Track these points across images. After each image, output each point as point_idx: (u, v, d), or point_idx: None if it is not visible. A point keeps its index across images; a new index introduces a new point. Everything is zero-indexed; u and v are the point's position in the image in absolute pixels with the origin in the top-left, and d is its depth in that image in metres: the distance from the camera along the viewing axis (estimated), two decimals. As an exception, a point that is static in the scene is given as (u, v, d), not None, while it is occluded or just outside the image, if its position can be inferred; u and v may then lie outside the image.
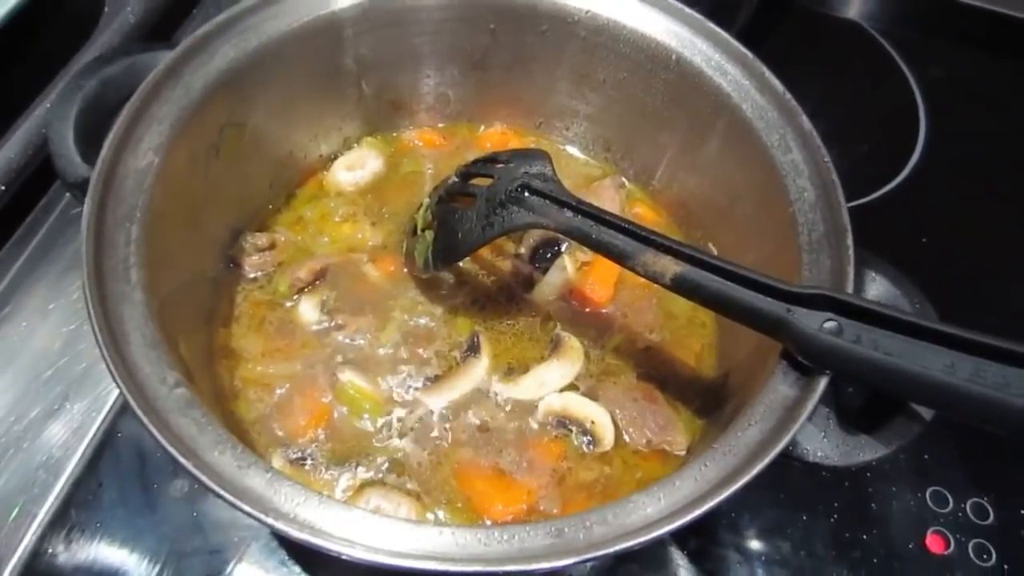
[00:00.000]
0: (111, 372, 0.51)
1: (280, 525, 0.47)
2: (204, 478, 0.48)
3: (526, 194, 0.70)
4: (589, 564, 0.72)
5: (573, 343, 0.79)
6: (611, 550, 0.48)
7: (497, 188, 0.72)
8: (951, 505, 0.80)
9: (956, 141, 1.13)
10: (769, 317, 0.58)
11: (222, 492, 0.47)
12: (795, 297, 0.57)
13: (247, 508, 0.47)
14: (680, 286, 0.62)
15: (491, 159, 0.77)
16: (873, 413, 0.61)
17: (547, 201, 0.69)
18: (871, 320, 0.54)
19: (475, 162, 0.79)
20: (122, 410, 0.80)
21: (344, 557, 0.46)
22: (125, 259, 0.58)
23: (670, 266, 0.62)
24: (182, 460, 0.48)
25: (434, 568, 0.45)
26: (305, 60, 0.78)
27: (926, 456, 0.84)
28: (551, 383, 0.76)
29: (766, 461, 0.53)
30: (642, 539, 0.49)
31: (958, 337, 0.51)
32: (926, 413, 0.61)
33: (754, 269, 0.59)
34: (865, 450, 0.60)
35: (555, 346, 0.79)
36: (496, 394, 0.75)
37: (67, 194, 0.94)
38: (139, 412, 0.50)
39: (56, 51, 1.00)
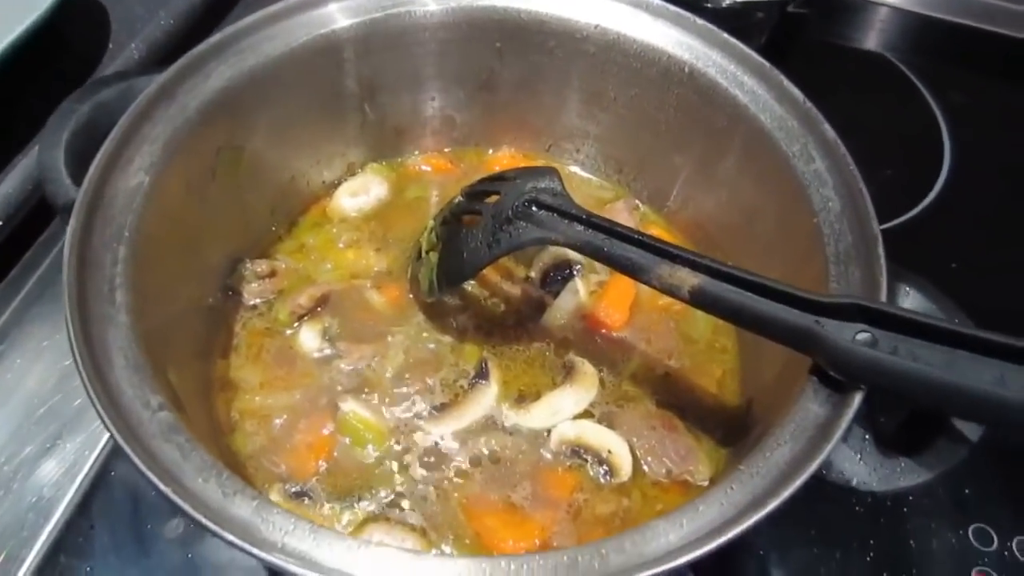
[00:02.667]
0: (90, 396, 0.48)
1: (267, 556, 0.43)
2: (186, 506, 0.44)
3: (534, 209, 0.67)
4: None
5: (587, 369, 0.75)
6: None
7: (504, 204, 0.69)
8: (996, 543, 0.74)
9: (981, 164, 1.11)
10: (797, 330, 0.54)
11: (205, 521, 0.43)
12: (824, 308, 0.53)
13: (231, 538, 0.43)
14: (699, 299, 0.58)
15: (497, 177, 0.74)
16: (913, 433, 0.57)
17: (557, 215, 0.66)
18: (908, 330, 0.50)
19: (481, 180, 0.76)
20: (116, 449, 0.76)
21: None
22: (111, 280, 0.56)
23: (687, 278, 0.58)
24: (162, 487, 0.44)
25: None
26: (305, 82, 0.76)
27: (968, 490, 0.79)
28: (564, 410, 0.72)
29: (798, 483, 0.48)
30: (663, 567, 0.44)
31: (1008, 346, 0.47)
32: (971, 433, 0.56)
33: (778, 280, 0.55)
34: (905, 474, 0.55)
35: (568, 372, 0.75)
36: (506, 423, 0.71)
37: (66, 230, 0.92)
38: (118, 437, 0.46)
39: (60, 87, 1.00)
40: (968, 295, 0.83)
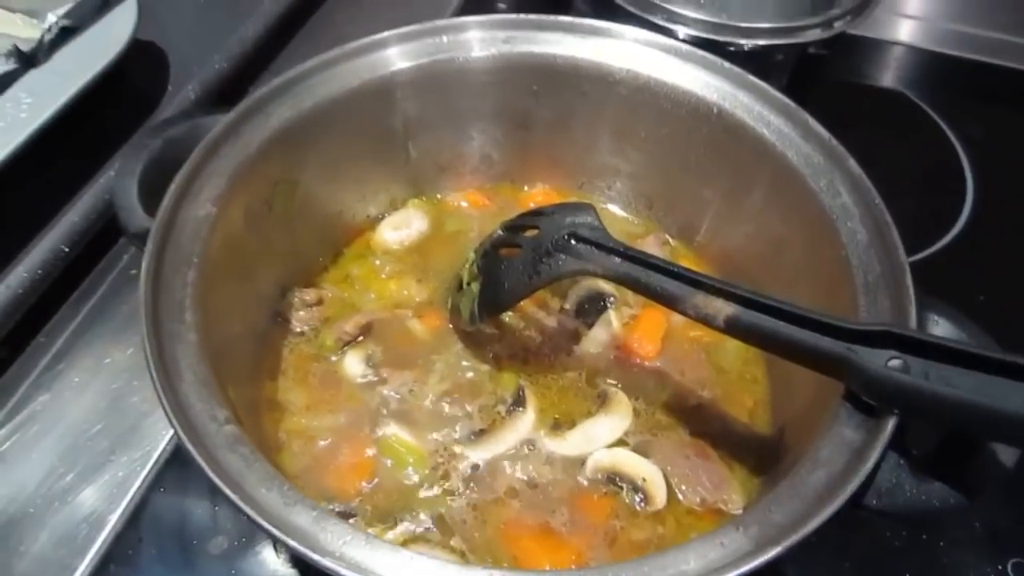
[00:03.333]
0: (164, 407, 0.51)
1: (326, 562, 0.45)
2: (252, 512, 0.47)
3: (573, 242, 0.70)
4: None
5: (621, 398, 0.77)
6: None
7: (543, 238, 0.72)
8: None
9: (1004, 196, 1.12)
10: (830, 356, 0.56)
11: (270, 527, 0.46)
12: (856, 335, 0.55)
13: (294, 544, 0.46)
14: (733, 328, 0.60)
15: (536, 212, 0.78)
16: (948, 459, 0.58)
17: (594, 248, 0.69)
18: (939, 356, 0.52)
19: (521, 216, 0.80)
20: (166, 465, 0.80)
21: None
22: (181, 301, 0.60)
23: (723, 308, 0.61)
24: (230, 494, 0.47)
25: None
26: (355, 122, 0.81)
27: (1005, 523, 0.79)
28: (599, 438, 0.74)
29: (835, 506, 0.50)
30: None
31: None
32: (1007, 459, 0.57)
33: (811, 309, 0.58)
34: (941, 501, 0.56)
35: (602, 401, 0.77)
36: (543, 449, 0.73)
37: (124, 257, 0.97)
38: (189, 446, 0.49)
39: (122, 126, 1.06)
40: (997, 325, 0.84)
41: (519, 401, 0.76)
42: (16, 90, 0.93)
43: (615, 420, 0.75)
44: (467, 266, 0.82)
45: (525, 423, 0.75)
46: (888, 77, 1.33)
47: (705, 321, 0.61)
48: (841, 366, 0.55)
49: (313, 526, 0.48)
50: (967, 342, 0.50)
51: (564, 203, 0.77)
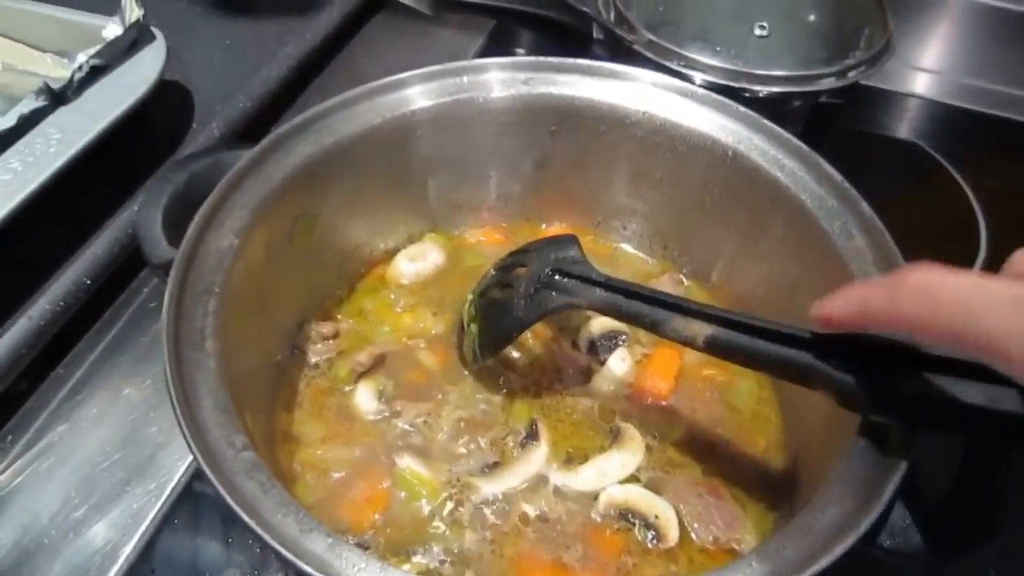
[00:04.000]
0: (183, 432, 0.52)
1: (342, 588, 0.45)
2: (269, 538, 0.47)
3: (557, 277, 0.73)
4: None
5: (633, 434, 0.77)
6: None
7: (531, 276, 0.75)
8: None
9: (1018, 246, 1.12)
10: (804, 368, 0.57)
11: (286, 553, 0.46)
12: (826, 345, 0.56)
13: (309, 570, 0.46)
14: (713, 347, 0.62)
15: (522, 250, 0.80)
16: (956, 503, 0.58)
17: (578, 282, 0.72)
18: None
19: (509, 254, 0.82)
20: (180, 498, 0.80)
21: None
22: (201, 330, 0.61)
23: (701, 329, 0.62)
24: (247, 519, 0.48)
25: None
26: (375, 159, 0.83)
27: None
28: (611, 474, 0.74)
29: (852, 539, 0.50)
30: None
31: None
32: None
33: (793, 325, 0.58)
34: (950, 550, 0.56)
35: (615, 437, 0.77)
36: (555, 484, 0.73)
37: (144, 290, 0.98)
38: (207, 471, 0.50)
39: (146, 163, 1.08)
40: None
41: (532, 434, 0.76)
42: (45, 126, 0.96)
43: (627, 455, 0.75)
44: (466, 307, 0.83)
45: (538, 456, 0.75)
46: (902, 128, 1.35)
47: (687, 343, 0.63)
48: (814, 377, 0.56)
49: (328, 553, 0.48)
50: (927, 346, 0.50)
51: (549, 238, 0.80)
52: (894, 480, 0.53)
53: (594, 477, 0.74)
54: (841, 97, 1.17)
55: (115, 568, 0.74)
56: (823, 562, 0.49)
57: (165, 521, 0.78)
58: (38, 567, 0.75)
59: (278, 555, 0.47)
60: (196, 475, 0.79)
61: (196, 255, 0.65)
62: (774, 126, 0.79)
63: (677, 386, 0.82)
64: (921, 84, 1.40)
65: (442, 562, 0.68)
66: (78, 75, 0.99)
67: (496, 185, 0.93)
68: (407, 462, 0.74)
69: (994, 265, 1.07)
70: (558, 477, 0.74)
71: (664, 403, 0.81)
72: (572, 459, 0.75)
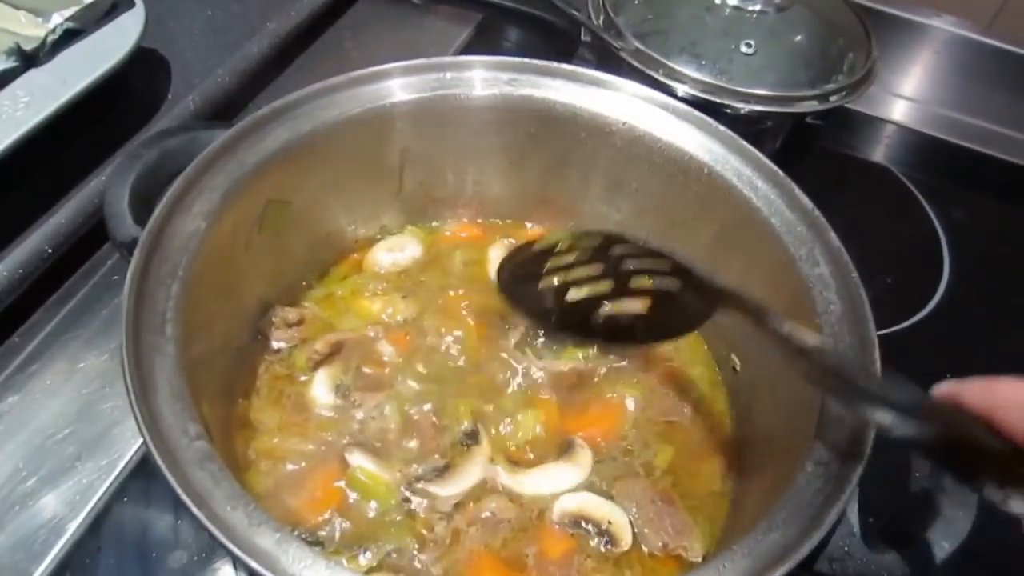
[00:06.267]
0: (136, 418, 0.52)
1: (286, 586, 0.45)
2: (216, 531, 0.47)
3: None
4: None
5: (584, 452, 0.77)
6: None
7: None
8: None
9: (979, 280, 1.15)
10: None
11: (232, 547, 0.46)
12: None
13: (255, 565, 0.46)
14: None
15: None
16: (898, 531, 0.60)
17: None
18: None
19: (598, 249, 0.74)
20: (131, 475, 0.79)
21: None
22: (163, 313, 0.60)
23: None
24: (196, 511, 0.47)
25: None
26: (352, 149, 0.82)
27: None
28: (562, 482, 0.75)
29: (789, 565, 0.51)
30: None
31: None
32: (948, 543, 0.59)
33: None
34: (889, 570, 0.58)
35: (565, 449, 0.77)
36: (506, 487, 0.74)
37: (107, 263, 0.97)
38: (158, 460, 0.50)
39: (118, 132, 1.06)
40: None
41: (474, 435, 0.76)
42: (14, 88, 0.94)
43: (573, 469, 0.76)
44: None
45: (482, 459, 0.75)
46: (878, 152, 1.37)
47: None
48: None
49: (275, 548, 0.48)
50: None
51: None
52: (836, 509, 0.54)
53: (544, 483, 0.74)
54: (822, 119, 1.19)
55: (61, 542, 0.74)
56: (763, 584, 0.50)
57: (115, 498, 0.77)
58: (-19, 537, 0.74)
59: (225, 549, 0.47)
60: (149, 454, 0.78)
61: (162, 237, 0.64)
62: (750, 148, 0.80)
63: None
64: (899, 111, 1.42)
65: (394, 560, 0.68)
66: (52, 37, 0.97)
67: (473, 183, 0.93)
68: (359, 460, 0.73)
69: (955, 296, 1.11)
70: (509, 480, 0.74)
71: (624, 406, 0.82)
72: (519, 462, 0.76)
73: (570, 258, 0.73)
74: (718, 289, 0.67)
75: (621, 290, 0.70)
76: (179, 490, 0.48)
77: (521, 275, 0.76)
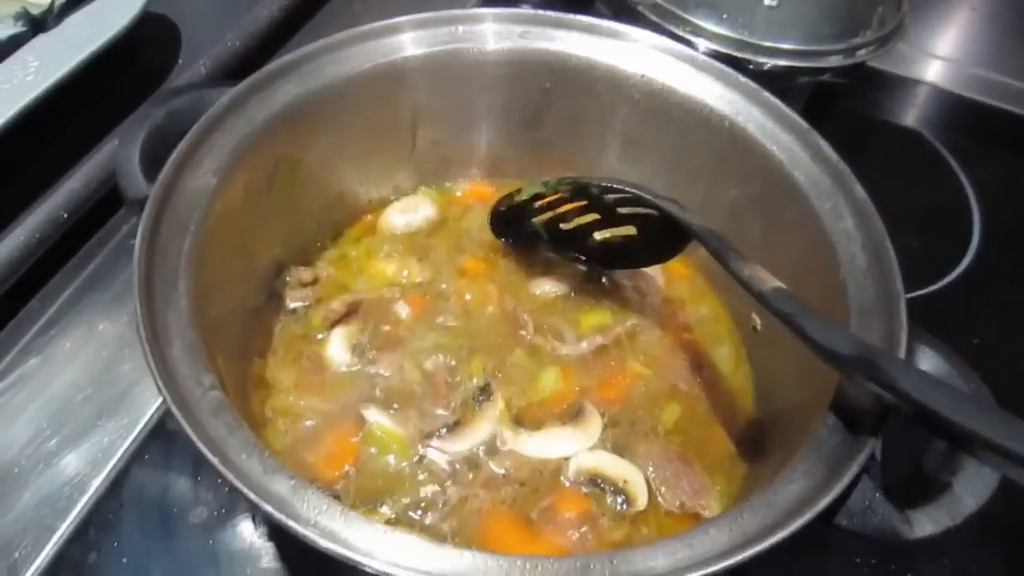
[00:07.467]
0: (150, 368, 0.52)
1: (301, 530, 0.45)
2: (232, 477, 0.47)
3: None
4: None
5: (594, 416, 0.76)
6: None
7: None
8: None
9: (1009, 243, 1.13)
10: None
11: (248, 492, 0.46)
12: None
13: (270, 510, 0.46)
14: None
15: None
16: (922, 486, 0.59)
17: None
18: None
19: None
20: (151, 435, 0.80)
21: (362, 568, 0.44)
22: (175, 268, 0.60)
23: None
24: (211, 458, 0.47)
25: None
26: (363, 105, 0.81)
27: (974, 562, 0.80)
28: (567, 447, 0.73)
29: (808, 516, 0.50)
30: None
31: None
32: (974, 499, 0.58)
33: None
34: (911, 529, 0.57)
35: (575, 413, 0.76)
36: (516, 449, 0.73)
37: (123, 228, 0.97)
38: (173, 408, 0.50)
39: (129, 98, 1.06)
40: (987, 369, 0.84)
41: (486, 392, 0.76)
42: (24, 53, 0.93)
43: (582, 434, 0.74)
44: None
45: (494, 415, 0.74)
46: (906, 114, 1.33)
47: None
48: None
49: (291, 495, 0.48)
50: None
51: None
52: (857, 461, 0.53)
53: (552, 447, 0.73)
54: (846, 77, 1.15)
55: (84, 499, 0.75)
56: (780, 535, 0.50)
57: (136, 457, 0.78)
58: (7, 495, 0.75)
59: (241, 494, 0.47)
60: (168, 413, 0.78)
61: (172, 193, 0.64)
62: (773, 98, 0.78)
63: (658, 355, 0.82)
64: (931, 71, 1.37)
65: (409, 515, 0.68)
66: (59, 1, 0.96)
67: (486, 141, 0.92)
68: (376, 417, 0.73)
69: (983, 260, 1.08)
70: (519, 441, 0.73)
71: (643, 371, 0.80)
72: (529, 421, 0.75)
73: (555, 199, 0.81)
74: (685, 224, 0.70)
75: (608, 220, 0.79)
76: (194, 437, 0.48)
77: (513, 221, 0.85)
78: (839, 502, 0.54)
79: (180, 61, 1.13)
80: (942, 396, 0.48)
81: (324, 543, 0.45)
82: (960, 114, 1.32)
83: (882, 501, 0.57)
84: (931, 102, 1.35)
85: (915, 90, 1.35)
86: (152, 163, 0.70)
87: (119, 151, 0.71)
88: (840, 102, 1.29)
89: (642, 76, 0.82)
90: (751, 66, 1.03)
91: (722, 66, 0.81)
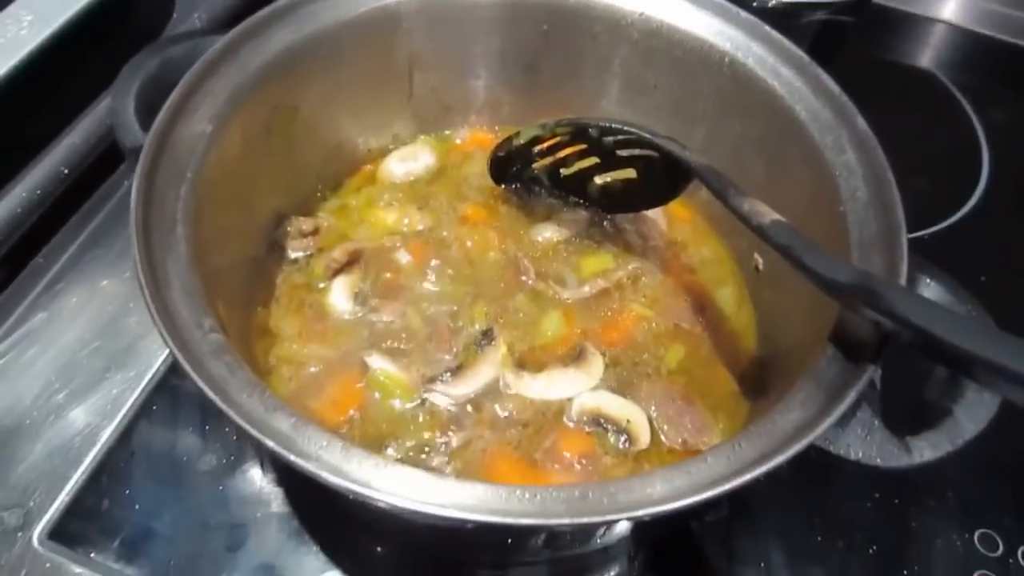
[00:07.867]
0: (150, 312, 0.52)
1: (303, 464, 0.46)
2: (234, 415, 0.47)
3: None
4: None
5: (596, 359, 0.76)
6: (631, 515, 0.46)
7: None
8: (1001, 550, 0.77)
9: (1018, 185, 1.11)
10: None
11: (250, 429, 0.47)
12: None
13: (273, 445, 0.47)
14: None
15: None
16: (922, 413, 0.59)
17: None
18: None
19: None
20: (159, 385, 0.81)
21: (364, 500, 0.45)
22: (172, 214, 0.60)
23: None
24: (213, 397, 0.48)
25: (454, 515, 0.44)
26: (359, 51, 0.80)
27: (976, 494, 0.81)
28: (569, 389, 0.74)
29: (804, 442, 0.50)
30: (666, 507, 0.47)
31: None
32: (974, 425, 0.58)
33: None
34: (911, 455, 0.57)
35: (577, 355, 0.76)
36: (518, 391, 0.73)
37: (125, 183, 0.97)
38: (174, 349, 0.50)
39: (125, 52, 1.05)
40: (994, 306, 0.84)
41: (488, 336, 0.76)
42: (16, 8, 0.92)
43: (584, 376, 0.74)
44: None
45: (496, 359, 0.75)
46: (920, 54, 1.30)
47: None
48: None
49: (292, 431, 0.49)
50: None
51: None
52: (856, 388, 0.53)
53: (555, 388, 0.74)
54: (853, 14, 1.13)
55: (95, 450, 0.76)
56: (777, 459, 0.50)
57: (144, 407, 0.80)
58: (20, 446, 0.77)
59: (244, 431, 0.47)
60: (175, 365, 0.79)
61: (168, 140, 0.63)
62: (774, 32, 0.76)
63: (660, 299, 0.82)
64: (946, 8, 1.33)
65: (414, 455, 0.69)
66: (52, -47, 0.95)
67: (484, 87, 0.91)
68: (379, 363, 0.74)
69: (992, 199, 1.07)
70: (521, 383, 0.73)
71: (644, 312, 0.81)
72: (531, 364, 0.75)
73: (554, 143, 0.82)
74: (685, 162, 0.70)
75: (608, 163, 0.80)
76: (195, 376, 0.49)
77: (513, 167, 0.86)
78: (838, 431, 0.54)
79: (175, 15, 1.12)
80: (941, 319, 0.47)
81: (326, 476, 0.46)
82: (974, 53, 1.29)
83: (881, 428, 0.58)
84: (945, 41, 1.31)
85: (928, 28, 1.32)
86: (148, 113, 0.69)
87: (114, 101, 0.70)
88: (847, 43, 1.26)
89: (640, 14, 0.81)
90: (755, 3, 1.01)
91: (722, 2, 0.79)
